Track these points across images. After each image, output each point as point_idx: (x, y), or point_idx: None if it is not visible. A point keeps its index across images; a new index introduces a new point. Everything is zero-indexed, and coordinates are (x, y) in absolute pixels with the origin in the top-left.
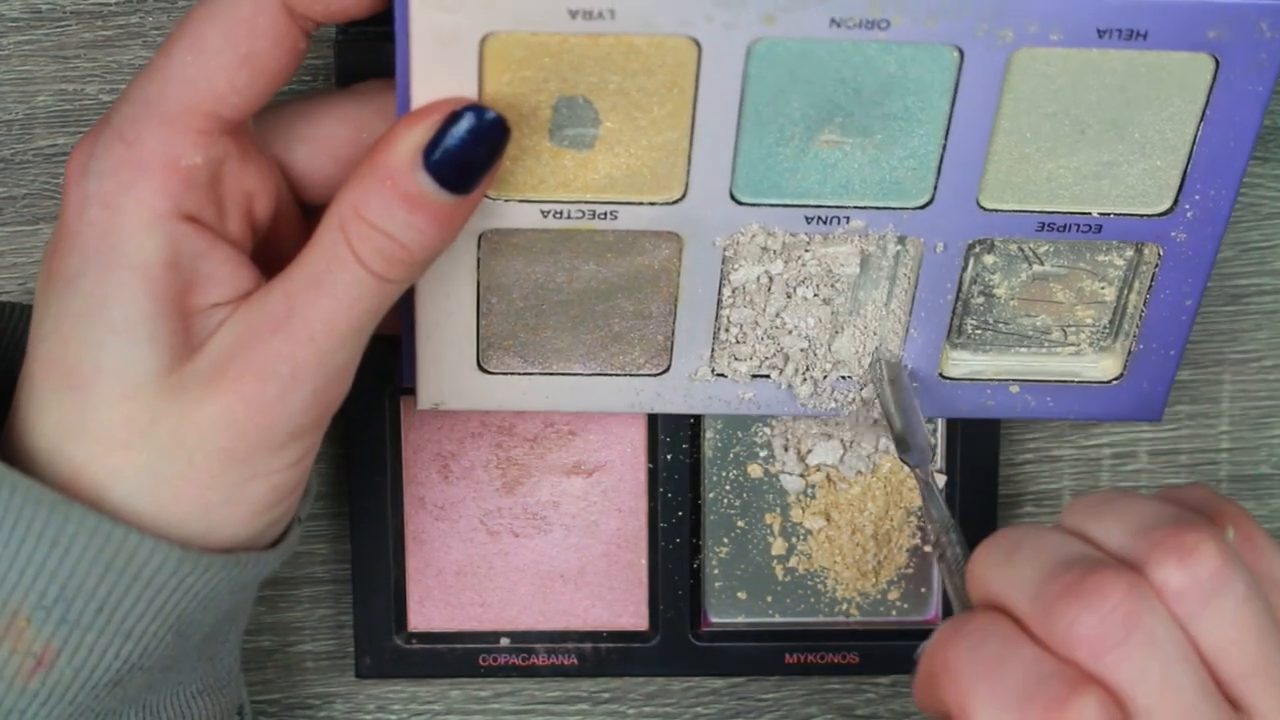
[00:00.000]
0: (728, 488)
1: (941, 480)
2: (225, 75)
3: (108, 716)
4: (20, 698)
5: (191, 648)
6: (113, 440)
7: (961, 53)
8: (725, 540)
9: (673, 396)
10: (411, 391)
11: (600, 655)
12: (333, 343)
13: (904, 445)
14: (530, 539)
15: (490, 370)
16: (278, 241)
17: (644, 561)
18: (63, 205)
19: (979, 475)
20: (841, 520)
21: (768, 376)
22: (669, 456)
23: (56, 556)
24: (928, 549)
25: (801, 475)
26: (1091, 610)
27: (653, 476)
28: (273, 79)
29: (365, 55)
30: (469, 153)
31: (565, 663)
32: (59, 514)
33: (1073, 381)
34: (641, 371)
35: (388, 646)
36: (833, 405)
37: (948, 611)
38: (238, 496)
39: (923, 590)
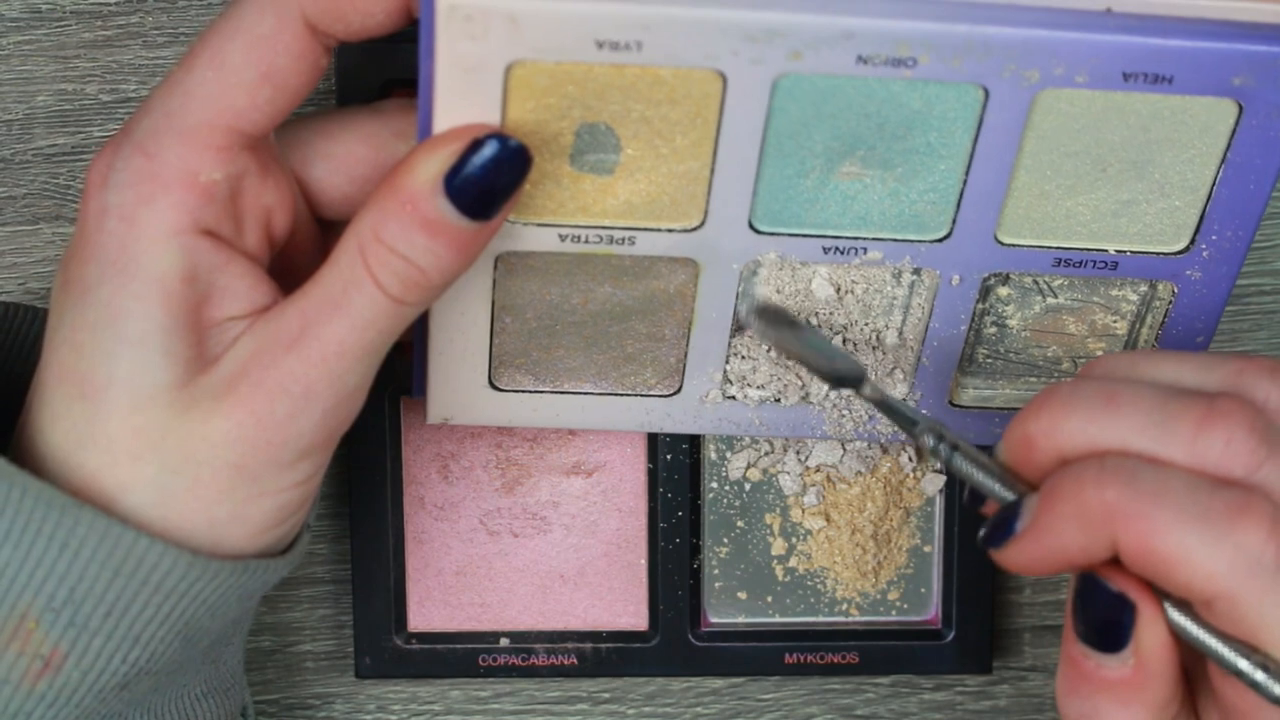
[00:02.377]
0: (727, 488)
1: (941, 481)
2: (246, 91)
3: (112, 719)
4: (27, 700)
5: (198, 652)
6: (122, 451)
7: (986, 92)
8: (725, 540)
9: (683, 417)
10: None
11: (600, 655)
12: (345, 364)
13: (834, 378)
14: (530, 539)
15: (501, 387)
16: (294, 255)
17: (644, 561)
18: (81, 214)
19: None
20: (841, 520)
21: (778, 401)
22: (669, 456)
23: (66, 559)
24: (928, 549)
25: (801, 476)
26: (1240, 428)
27: (652, 476)
28: (294, 95)
29: (365, 57)
30: (490, 180)
31: (565, 663)
32: (70, 517)
33: None
34: (652, 392)
35: (388, 646)
36: (840, 430)
37: (947, 611)
38: (244, 514)
39: (923, 590)
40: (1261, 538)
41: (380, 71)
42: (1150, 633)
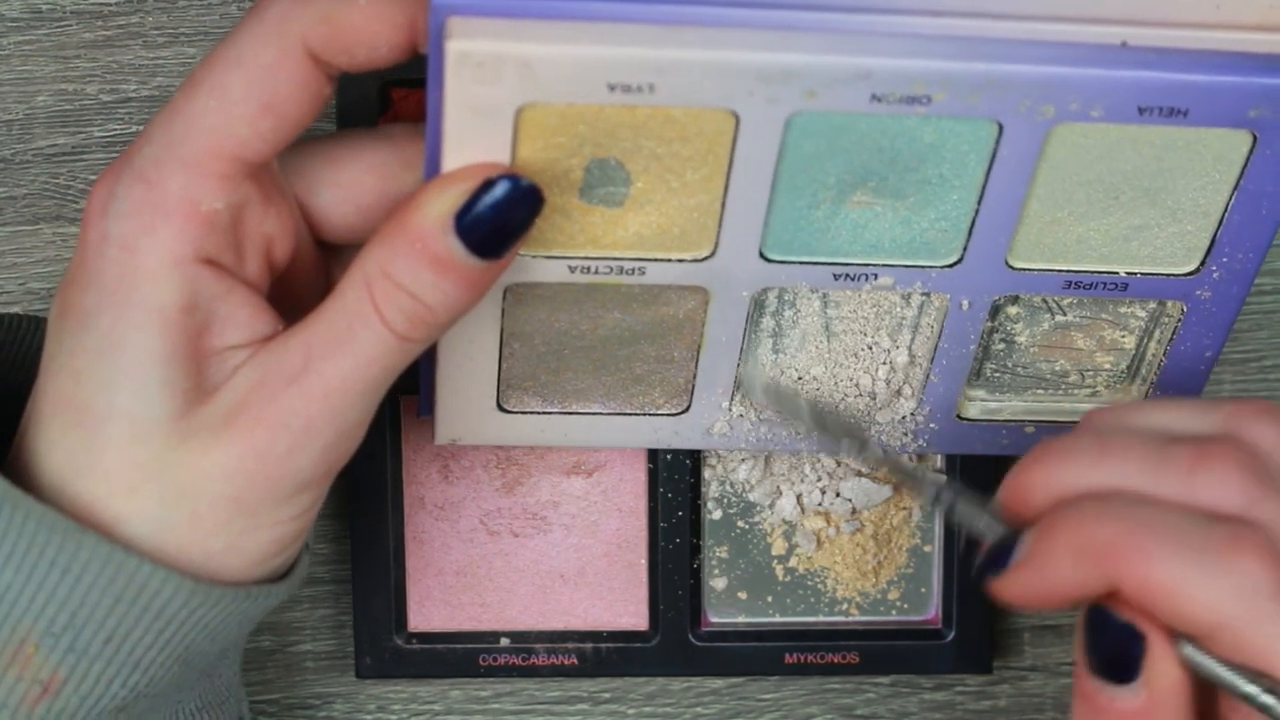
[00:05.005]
0: (728, 488)
1: (941, 481)
2: (248, 121)
3: None
4: None
5: (195, 674)
6: (120, 482)
7: (1001, 127)
8: (725, 540)
9: (691, 434)
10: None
11: (600, 655)
12: (347, 400)
13: (853, 446)
14: (530, 539)
15: (509, 409)
16: (294, 281)
17: (644, 561)
18: (81, 240)
19: (979, 475)
20: (841, 520)
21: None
22: (669, 456)
23: (68, 584)
24: (928, 549)
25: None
26: (1232, 467)
27: (653, 476)
28: (296, 125)
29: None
30: (502, 220)
31: (565, 663)
32: (72, 541)
33: None
34: (660, 411)
35: (388, 646)
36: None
37: (947, 611)
38: (240, 546)
39: (923, 590)
40: (1258, 566)
41: (380, 72)
42: (1160, 662)
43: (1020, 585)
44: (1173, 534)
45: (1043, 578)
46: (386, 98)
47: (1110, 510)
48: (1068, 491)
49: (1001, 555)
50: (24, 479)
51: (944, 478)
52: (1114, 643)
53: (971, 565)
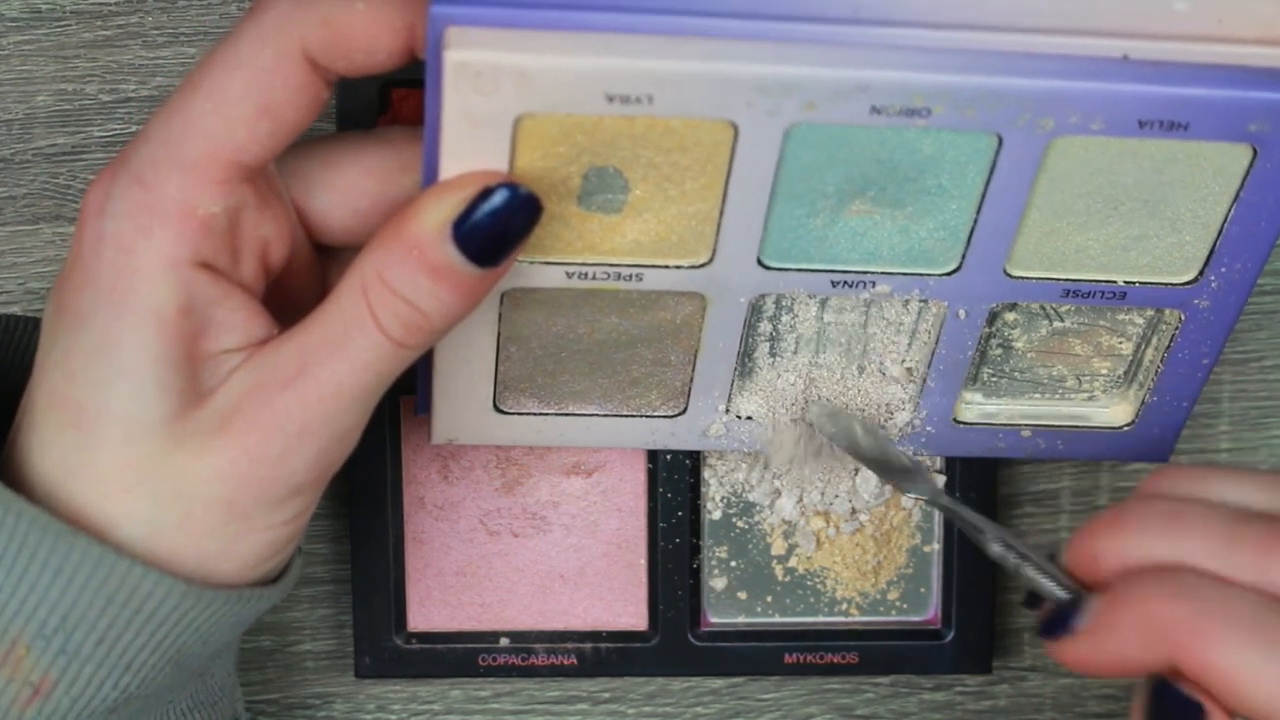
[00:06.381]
0: (727, 488)
1: (941, 480)
2: (245, 125)
3: None
4: None
5: (187, 675)
6: (114, 483)
7: (1000, 139)
8: (725, 540)
9: (687, 436)
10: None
11: (600, 655)
12: (342, 404)
13: (902, 482)
14: (530, 539)
15: (506, 410)
16: (290, 284)
17: (644, 561)
18: (77, 239)
19: (978, 475)
20: (841, 520)
21: (780, 424)
22: (669, 457)
23: (59, 586)
24: (928, 549)
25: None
26: None
27: (652, 476)
28: (293, 129)
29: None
30: (500, 228)
31: (565, 663)
32: (64, 543)
33: (1084, 427)
34: (657, 413)
35: (388, 646)
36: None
37: (947, 611)
38: (233, 550)
39: (922, 590)
40: None
41: (376, 81)
42: None
43: (1081, 653)
44: (1239, 619)
45: (1105, 649)
46: (387, 98)
47: (1177, 589)
48: (1136, 562)
49: (1065, 618)
50: (17, 479)
51: (1007, 532)
52: (1175, 715)
53: (1034, 616)
